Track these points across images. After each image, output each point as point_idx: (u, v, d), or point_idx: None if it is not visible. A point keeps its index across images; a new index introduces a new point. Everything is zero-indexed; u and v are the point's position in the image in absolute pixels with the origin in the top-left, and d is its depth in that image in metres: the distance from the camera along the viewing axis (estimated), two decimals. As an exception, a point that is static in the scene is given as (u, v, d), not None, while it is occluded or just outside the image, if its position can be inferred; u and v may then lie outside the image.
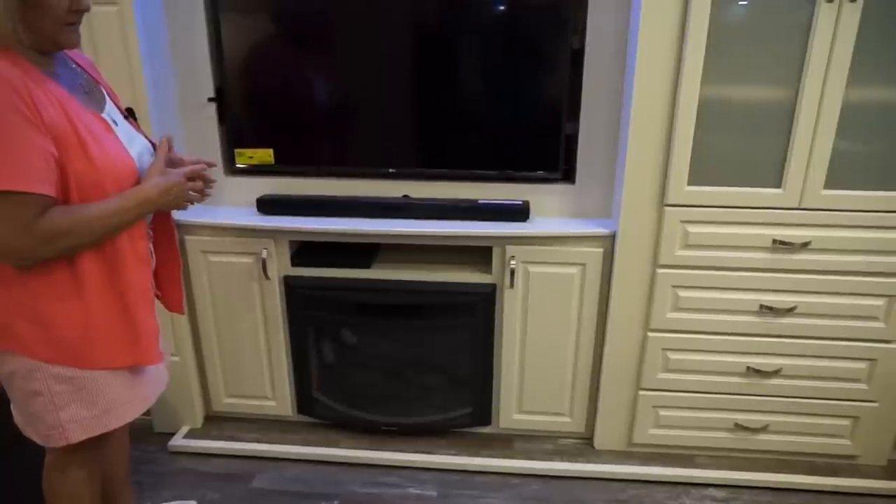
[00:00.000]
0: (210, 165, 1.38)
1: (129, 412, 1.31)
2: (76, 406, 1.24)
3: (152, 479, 1.96)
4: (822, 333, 1.84)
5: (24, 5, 1.05)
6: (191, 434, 2.15)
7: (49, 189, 1.08)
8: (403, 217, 1.94)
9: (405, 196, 1.99)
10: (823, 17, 1.54)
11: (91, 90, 1.23)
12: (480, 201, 1.92)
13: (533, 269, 1.90)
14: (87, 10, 1.14)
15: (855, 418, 1.92)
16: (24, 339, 1.18)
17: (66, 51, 1.25)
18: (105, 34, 1.73)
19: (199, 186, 1.34)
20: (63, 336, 1.18)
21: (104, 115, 1.20)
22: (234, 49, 1.89)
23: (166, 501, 1.86)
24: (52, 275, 1.15)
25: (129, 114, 1.38)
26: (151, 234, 1.38)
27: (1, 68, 1.02)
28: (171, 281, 1.49)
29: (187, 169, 1.30)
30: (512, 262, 1.89)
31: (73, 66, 1.24)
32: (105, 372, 1.24)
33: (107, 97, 1.27)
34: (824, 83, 1.59)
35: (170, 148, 1.33)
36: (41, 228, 1.07)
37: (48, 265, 1.14)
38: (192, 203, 1.35)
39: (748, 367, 1.89)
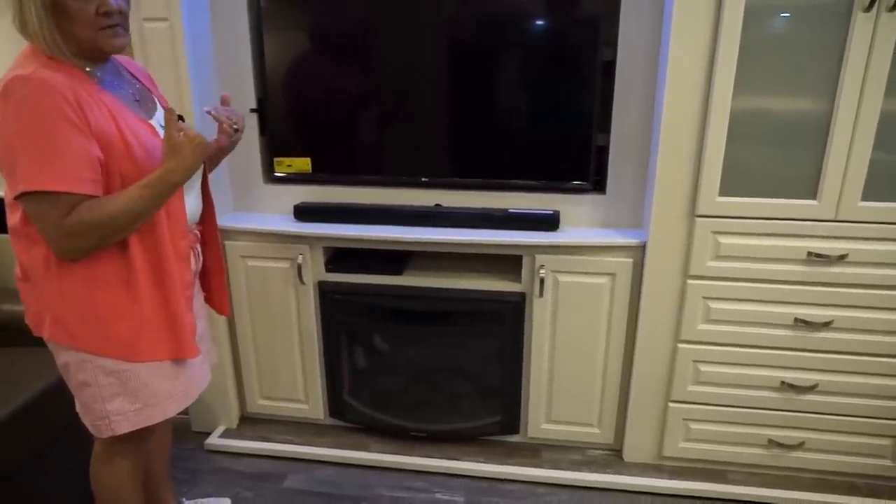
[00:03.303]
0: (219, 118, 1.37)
1: (172, 407, 1.36)
2: (122, 399, 1.29)
3: (188, 476, 2.03)
4: (861, 349, 1.79)
5: (55, 13, 1.10)
6: (226, 434, 2.22)
7: (86, 188, 1.12)
8: (435, 225, 1.97)
9: (437, 205, 2.03)
10: (860, 28, 1.53)
11: (142, 98, 1.30)
12: (511, 210, 1.95)
13: (562, 278, 1.91)
14: (119, 11, 1.16)
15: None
16: (74, 331, 1.24)
17: (120, 61, 1.32)
18: (156, 47, 1.83)
19: (225, 132, 1.35)
20: (110, 327, 1.24)
21: (152, 122, 1.27)
22: (276, 62, 1.97)
23: (201, 498, 1.91)
24: (103, 266, 1.21)
25: (179, 120, 1.44)
26: (199, 234, 1.44)
27: (49, 77, 1.09)
28: (218, 284, 1.55)
29: (194, 132, 1.23)
30: (541, 271, 1.90)
31: (127, 75, 1.31)
32: (148, 365, 1.29)
33: (158, 105, 1.34)
34: (861, 93, 1.57)
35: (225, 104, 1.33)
36: (69, 224, 1.13)
37: (99, 257, 1.20)
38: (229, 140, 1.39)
39: (782, 382, 1.85)
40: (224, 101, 1.39)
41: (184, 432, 2.23)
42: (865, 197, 1.65)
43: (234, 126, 1.38)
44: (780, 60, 1.59)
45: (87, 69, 1.18)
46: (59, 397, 1.64)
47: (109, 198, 1.16)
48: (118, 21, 1.16)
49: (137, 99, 1.28)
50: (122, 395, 1.29)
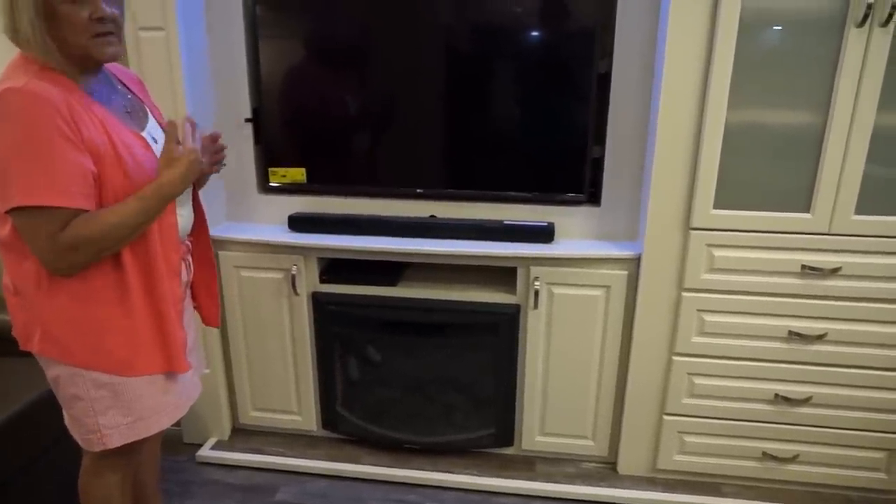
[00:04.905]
0: (214, 139, 1.36)
1: (164, 420, 1.34)
2: (114, 412, 1.28)
3: (179, 489, 2.01)
4: (854, 362, 1.79)
5: (47, 19, 1.08)
6: (218, 445, 2.20)
7: (80, 202, 1.12)
8: (430, 237, 1.97)
9: (432, 216, 2.02)
10: (853, 42, 1.54)
11: (134, 109, 1.29)
12: (506, 222, 1.95)
13: (557, 290, 1.91)
14: (113, 19, 1.14)
15: (891, 451, 1.86)
16: (66, 345, 1.22)
17: (112, 71, 1.31)
18: (152, 57, 1.82)
19: (217, 158, 1.35)
20: (103, 342, 1.23)
21: (144, 134, 1.26)
22: (271, 72, 1.96)
23: (192, 510, 1.90)
24: (95, 280, 1.20)
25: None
26: (189, 245, 1.43)
27: (43, 88, 1.07)
28: (208, 294, 1.53)
29: (192, 146, 1.25)
30: (536, 283, 1.90)
31: (119, 86, 1.30)
32: (141, 379, 1.28)
33: (150, 115, 1.33)
34: (854, 107, 1.58)
35: (193, 128, 1.28)
36: (65, 238, 1.12)
37: (92, 271, 1.19)
38: (215, 172, 1.38)
39: (776, 395, 1.85)
40: (192, 124, 1.31)
41: (175, 444, 2.21)
42: (859, 210, 1.66)
43: (223, 162, 1.38)
44: (774, 74, 1.60)
45: (79, 80, 1.17)
46: (50, 408, 1.62)
47: (104, 211, 1.15)
48: (111, 29, 1.15)
49: (129, 111, 1.27)
50: (115, 408, 1.28)
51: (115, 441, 1.30)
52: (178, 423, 2.21)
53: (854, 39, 1.53)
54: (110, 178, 1.15)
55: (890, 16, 1.49)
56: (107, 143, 1.15)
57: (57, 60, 1.12)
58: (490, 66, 1.88)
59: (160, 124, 1.36)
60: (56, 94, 1.09)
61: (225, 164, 1.41)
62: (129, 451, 1.38)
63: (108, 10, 1.13)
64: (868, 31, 1.52)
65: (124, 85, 1.32)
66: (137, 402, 1.29)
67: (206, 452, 2.15)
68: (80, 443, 1.34)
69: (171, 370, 1.31)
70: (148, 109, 1.34)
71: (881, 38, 1.52)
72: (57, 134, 1.08)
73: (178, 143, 1.24)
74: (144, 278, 1.24)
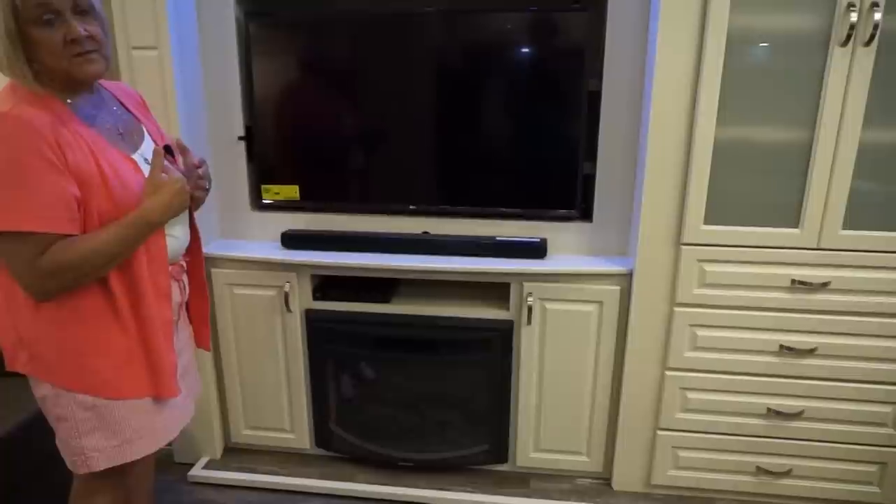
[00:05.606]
0: (197, 166, 1.35)
1: (152, 443, 1.33)
2: (99, 435, 1.26)
3: (171, 509, 1.99)
4: (845, 375, 1.81)
5: (23, 44, 1.08)
6: (210, 465, 2.18)
7: (60, 227, 1.11)
8: (423, 253, 1.97)
9: (425, 232, 2.03)
10: (837, 61, 1.57)
11: (128, 130, 1.28)
12: (498, 238, 1.95)
13: (550, 305, 1.91)
14: (91, 37, 1.12)
15: (882, 464, 1.87)
16: (52, 366, 1.21)
17: (109, 88, 1.31)
18: (145, 76, 1.82)
19: (198, 185, 1.32)
20: (89, 364, 1.21)
21: (135, 156, 1.25)
22: (264, 90, 1.98)
23: (183, 532, 1.87)
24: (83, 302, 1.19)
25: (167, 151, 1.42)
26: (184, 265, 1.42)
27: (27, 114, 1.07)
28: (199, 317, 1.52)
29: (178, 175, 1.25)
30: (529, 298, 1.90)
31: (115, 106, 1.29)
32: (127, 402, 1.26)
33: (146, 136, 1.32)
34: (840, 124, 1.61)
35: (183, 151, 1.28)
36: (43, 264, 1.11)
37: (79, 293, 1.18)
38: (198, 198, 1.34)
39: (769, 409, 1.86)
40: (180, 147, 1.33)
41: (166, 463, 2.19)
42: (846, 225, 1.68)
43: (206, 186, 1.36)
44: (761, 91, 1.63)
45: (68, 101, 1.16)
46: (41, 428, 1.60)
47: (84, 237, 1.14)
48: (91, 47, 1.13)
49: (121, 132, 1.26)
50: (100, 430, 1.26)
51: (99, 464, 1.28)
52: (169, 443, 2.18)
53: (838, 58, 1.56)
54: (96, 202, 1.15)
55: (872, 36, 1.52)
56: (93, 168, 1.14)
57: (33, 86, 1.11)
58: (481, 85, 1.90)
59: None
60: (42, 118, 1.08)
61: (208, 189, 1.38)
62: (117, 474, 1.36)
63: (83, 30, 1.11)
64: (852, 51, 1.55)
65: (122, 104, 1.32)
66: (123, 425, 1.27)
67: (197, 472, 2.13)
68: (67, 464, 1.32)
69: (158, 395, 1.29)
70: (145, 129, 1.33)
71: (864, 57, 1.55)
72: (39, 159, 1.07)
73: (164, 171, 1.23)
74: (131, 300, 1.23)
